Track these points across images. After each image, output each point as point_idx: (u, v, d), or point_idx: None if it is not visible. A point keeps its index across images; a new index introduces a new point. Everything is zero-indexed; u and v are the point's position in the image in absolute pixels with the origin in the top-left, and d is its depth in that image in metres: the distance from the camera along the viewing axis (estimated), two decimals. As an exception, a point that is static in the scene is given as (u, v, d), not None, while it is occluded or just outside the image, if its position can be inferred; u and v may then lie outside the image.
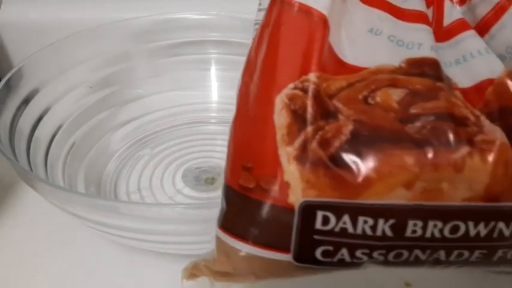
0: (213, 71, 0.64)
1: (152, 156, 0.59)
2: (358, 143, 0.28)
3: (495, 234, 0.29)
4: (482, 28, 0.32)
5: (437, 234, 0.28)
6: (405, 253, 0.29)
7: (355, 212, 0.28)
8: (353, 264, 0.30)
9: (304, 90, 0.29)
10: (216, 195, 0.47)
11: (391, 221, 0.28)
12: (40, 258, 0.48)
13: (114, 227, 0.42)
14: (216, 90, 0.64)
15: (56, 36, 0.55)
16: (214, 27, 0.61)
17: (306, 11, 0.31)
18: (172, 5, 0.63)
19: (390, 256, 0.29)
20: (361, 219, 0.28)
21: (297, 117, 0.29)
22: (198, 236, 0.40)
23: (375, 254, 0.29)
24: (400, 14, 0.32)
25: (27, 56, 0.53)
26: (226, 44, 0.61)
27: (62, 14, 0.66)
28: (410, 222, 0.28)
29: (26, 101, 0.51)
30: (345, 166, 0.28)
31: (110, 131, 0.60)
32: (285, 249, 0.29)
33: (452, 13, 0.32)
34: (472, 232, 0.28)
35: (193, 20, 0.61)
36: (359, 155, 0.28)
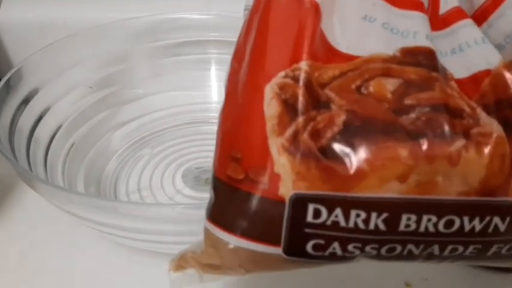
0: (213, 71, 0.64)
1: (152, 156, 0.59)
2: (351, 134, 0.27)
3: (490, 230, 0.28)
4: (480, 16, 0.31)
5: (431, 228, 0.28)
6: (399, 247, 0.28)
7: (347, 205, 0.27)
8: (345, 258, 0.29)
9: (296, 79, 0.28)
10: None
11: (384, 215, 0.27)
12: (40, 258, 0.48)
13: (114, 227, 0.42)
14: (216, 90, 0.64)
15: (56, 36, 0.56)
16: (214, 27, 0.61)
17: None
18: (172, 5, 0.63)
19: (383, 250, 0.29)
20: (353, 212, 0.27)
21: (288, 107, 0.28)
22: (198, 236, 0.40)
23: (367, 248, 0.28)
24: (395, 0, 0.31)
25: (27, 56, 0.53)
26: (226, 44, 0.60)
27: (62, 14, 0.67)
28: (404, 216, 0.27)
29: (26, 101, 0.51)
30: (337, 158, 0.27)
31: (110, 131, 0.60)
32: (274, 242, 0.28)
33: (448, 1, 0.31)
34: (467, 227, 0.28)
35: (193, 20, 0.61)
36: (352, 146, 0.27)
